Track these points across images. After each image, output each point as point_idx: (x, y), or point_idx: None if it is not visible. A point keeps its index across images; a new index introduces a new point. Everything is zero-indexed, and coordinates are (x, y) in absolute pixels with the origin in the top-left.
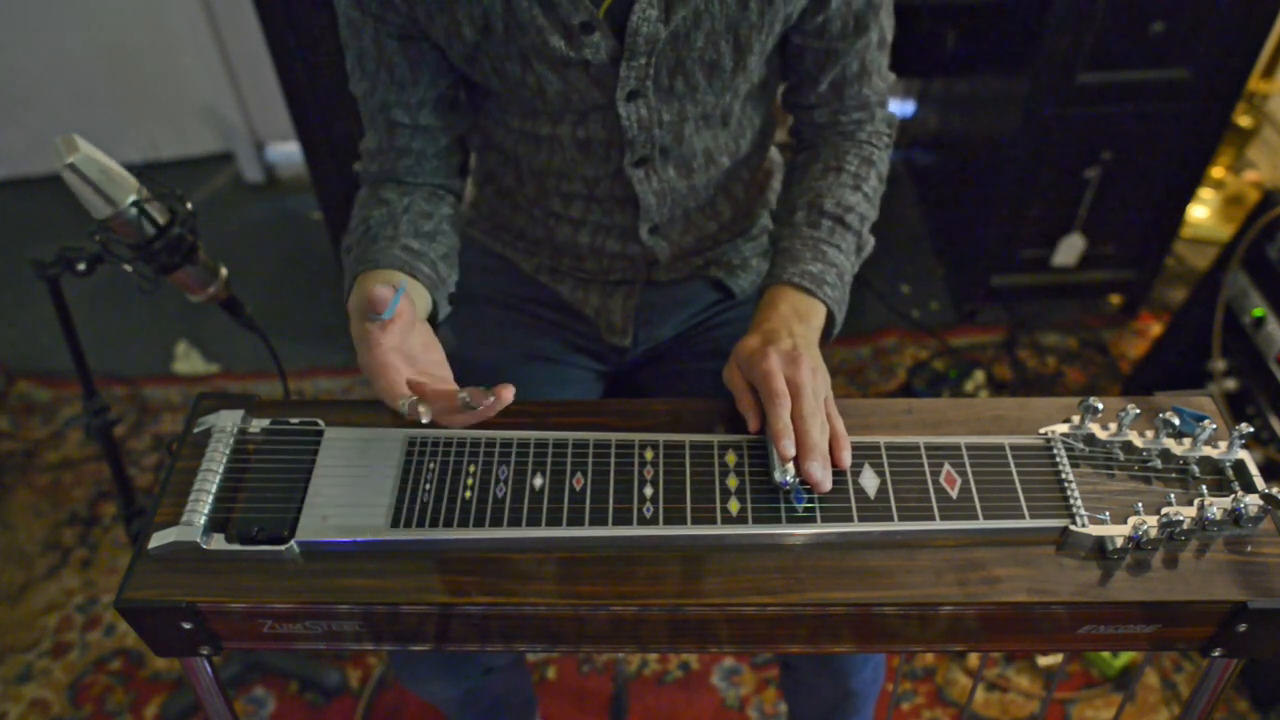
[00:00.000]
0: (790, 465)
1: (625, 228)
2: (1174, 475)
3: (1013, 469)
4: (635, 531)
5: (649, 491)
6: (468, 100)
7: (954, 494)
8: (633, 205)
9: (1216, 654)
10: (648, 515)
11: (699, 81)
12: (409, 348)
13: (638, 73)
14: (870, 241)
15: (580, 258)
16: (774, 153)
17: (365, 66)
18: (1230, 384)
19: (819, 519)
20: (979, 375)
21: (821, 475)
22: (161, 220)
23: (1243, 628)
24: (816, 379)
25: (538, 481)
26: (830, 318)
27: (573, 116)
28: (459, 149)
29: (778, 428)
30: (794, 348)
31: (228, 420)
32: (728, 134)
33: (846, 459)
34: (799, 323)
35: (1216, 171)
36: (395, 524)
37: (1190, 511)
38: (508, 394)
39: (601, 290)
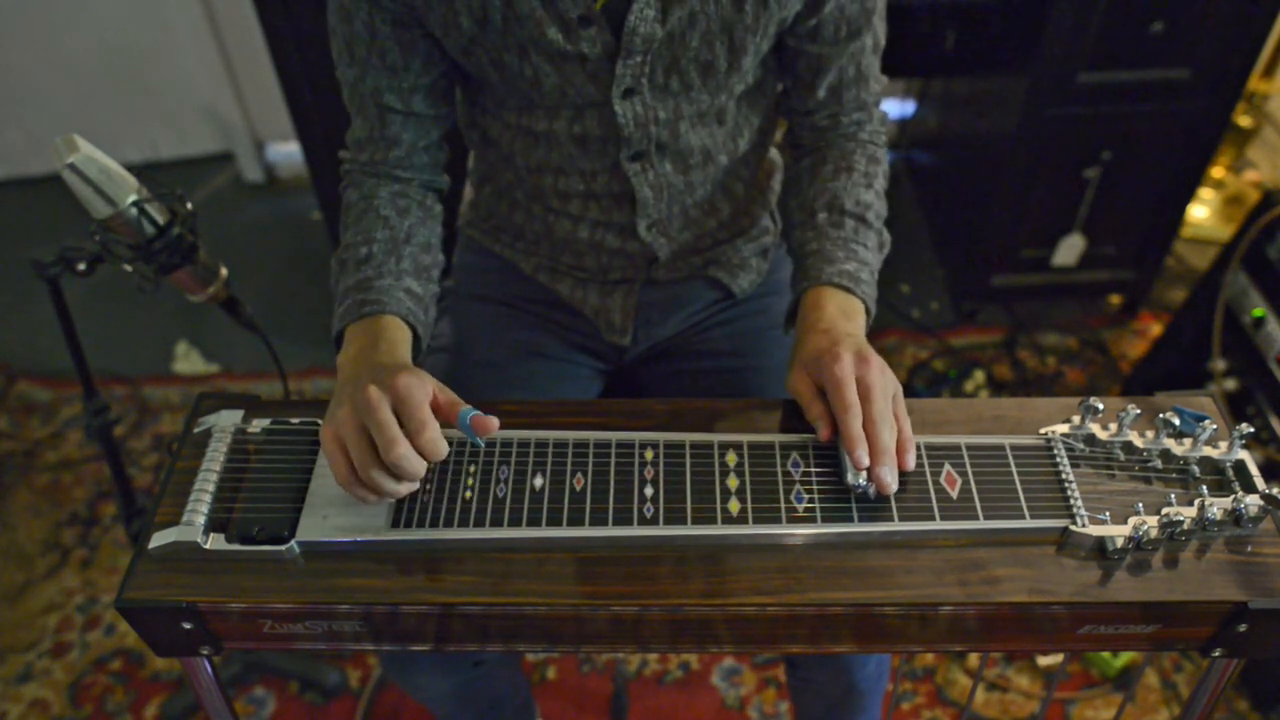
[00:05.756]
0: (864, 471)
1: (623, 224)
2: (1174, 475)
3: (1013, 469)
4: (635, 531)
5: (649, 491)
6: (464, 96)
7: (954, 494)
8: (630, 201)
9: (1216, 654)
10: (648, 515)
11: (694, 81)
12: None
13: (633, 71)
14: (888, 238)
15: (580, 254)
16: (774, 153)
17: (355, 52)
18: (1230, 384)
19: (819, 519)
20: (979, 375)
21: (891, 479)
22: (161, 220)
23: (1243, 628)
24: (885, 378)
25: (538, 481)
26: (866, 314)
27: (569, 112)
28: (447, 145)
29: (852, 435)
30: (859, 348)
31: (228, 420)
32: (724, 132)
33: (910, 461)
34: (847, 321)
35: (1216, 171)
36: (395, 524)
37: (1190, 512)
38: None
39: (600, 290)
